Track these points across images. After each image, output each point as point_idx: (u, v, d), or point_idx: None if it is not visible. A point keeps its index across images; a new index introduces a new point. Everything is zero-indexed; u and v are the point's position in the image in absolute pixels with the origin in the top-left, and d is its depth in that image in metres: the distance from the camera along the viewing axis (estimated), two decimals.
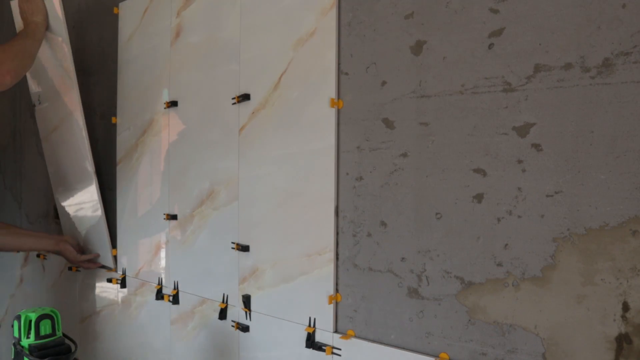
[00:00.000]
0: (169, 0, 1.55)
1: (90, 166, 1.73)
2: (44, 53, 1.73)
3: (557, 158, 0.86)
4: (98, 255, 1.83)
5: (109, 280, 1.78)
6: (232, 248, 1.35)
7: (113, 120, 1.78)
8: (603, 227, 0.81)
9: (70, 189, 1.87)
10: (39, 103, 1.85)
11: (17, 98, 2.37)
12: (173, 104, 1.54)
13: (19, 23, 1.74)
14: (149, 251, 1.65)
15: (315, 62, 1.17)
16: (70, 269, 1.96)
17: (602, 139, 0.82)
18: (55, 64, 1.74)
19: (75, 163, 1.78)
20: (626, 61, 0.79)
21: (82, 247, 1.88)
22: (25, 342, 1.12)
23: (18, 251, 2.13)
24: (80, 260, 1.81)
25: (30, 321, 1.12)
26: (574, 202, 0.84)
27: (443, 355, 0.99)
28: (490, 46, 0.93)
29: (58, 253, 1.83)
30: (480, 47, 0.94)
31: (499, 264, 0.92)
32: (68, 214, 1.92)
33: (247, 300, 1.32)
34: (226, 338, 1.39)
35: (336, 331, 1.15)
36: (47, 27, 1.68)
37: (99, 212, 1.76)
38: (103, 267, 1.83)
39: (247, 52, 1.33)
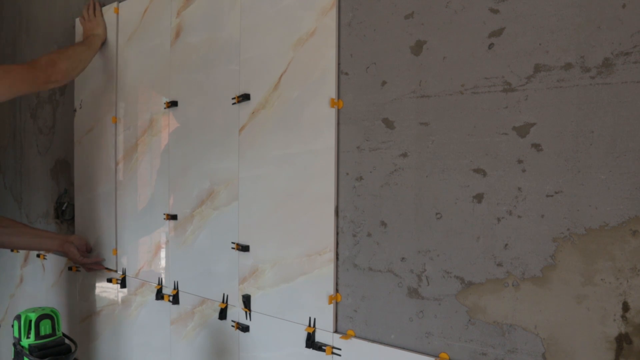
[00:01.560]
0: (168, 0, 1.55)
1: (113, 164, 1.77)
2: (95, 62, 1.84)
3: (557, 158, 0.86)
4: (102, 260, 1.84)
5: (109, 280, 1.78)
6: (232, 248, 1.35)
7: (113, 120, 1.78)
8: (603, 227, 0.81)
9: (92, 190, 1.92)
10: (80, 107, 1.95)
11: (17, 98, 2.37)
12: (173, 104, 1.54)
13: (79, 37, 1.91)
14: (149, 251, 1.65)
15: (315, 62, 1.17)
16: (70, 268, 1.97)
17: (602, 139, 0.82)
18: (101, 72, 1.87)
19: (101, 163, 1.84)
20: (626, 61, 0.79)
21: (89, 248, 1.89)
22: (25, 342, 1.12)
23: (22, 250, 2.14)
24: (83, 262, 1.81)
25: (30, 321, 1.12)
26: (574, 202, 0.84)
27: (443, 355, 0.99)
28: (490, 46, 0.93)
29: (62, 254, 1.84)
30: (480, 47, 0.94)
31: (499, 264, 0.92)
32: (85, 214, 1.94)
33: (247, 300, 1.32)
34: (226, 338, 1.39)
35: (336, 331, 1.15)
36: (105, 40, 1.84)
37: (113, 212, 1.79)
38: (107, 268, 1.84)
39: (247, 52, 1.33)
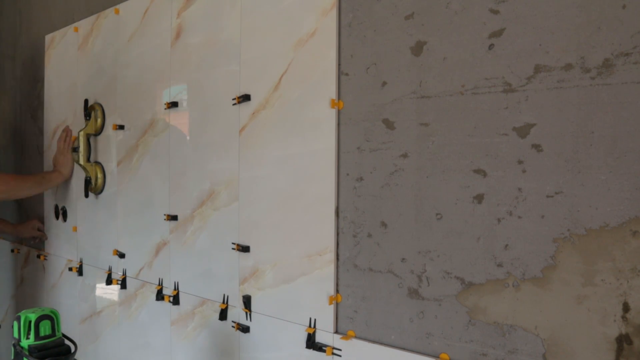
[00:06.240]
0: (169, 1, 1.55)
1: (114, 165, 1.79)
2: (96, 64, 1.90)
3: (558, 158, 0.86)
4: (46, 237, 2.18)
5: (109, 282, 1.78)
6: (233, 249, 1.35)
7: (113, 127, 1.78)
8: (603, 228, 0.81)
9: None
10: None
11: (17, 99, 2.38)
12: (173, 104, 1.54)
13: (80, 40, 1.93)
14: (150, 252, 1.65)
15: (315, 62, 1.17)
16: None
17: (602, 140, 0.82)
18: (104, 75, 1.92)
19: (104, 164, 1.90)
20: (626, 62, 0.79)
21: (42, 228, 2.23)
22: (25, 343, 1.11)
23: None
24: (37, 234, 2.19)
25: (30, 322, 1.12)
26: (574, 202, 0.84)
27: (443, 355, 0.99)
28: (491, 47, 0.93)
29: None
30: (481, 47, 0.94)
31: (499, 265, 0.92)
32: (87, 215, 1.97)
33: (247, 301, 1.32)
34: (226, 339, 1.39)
35: (336, 332, 1.15)
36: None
37: (114, 213, 1.81)
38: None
39: (247, 52, 1.33)
